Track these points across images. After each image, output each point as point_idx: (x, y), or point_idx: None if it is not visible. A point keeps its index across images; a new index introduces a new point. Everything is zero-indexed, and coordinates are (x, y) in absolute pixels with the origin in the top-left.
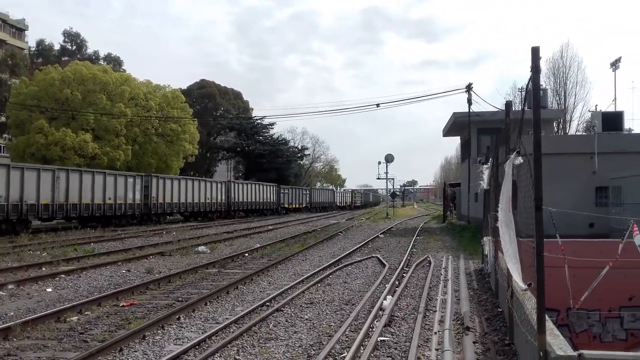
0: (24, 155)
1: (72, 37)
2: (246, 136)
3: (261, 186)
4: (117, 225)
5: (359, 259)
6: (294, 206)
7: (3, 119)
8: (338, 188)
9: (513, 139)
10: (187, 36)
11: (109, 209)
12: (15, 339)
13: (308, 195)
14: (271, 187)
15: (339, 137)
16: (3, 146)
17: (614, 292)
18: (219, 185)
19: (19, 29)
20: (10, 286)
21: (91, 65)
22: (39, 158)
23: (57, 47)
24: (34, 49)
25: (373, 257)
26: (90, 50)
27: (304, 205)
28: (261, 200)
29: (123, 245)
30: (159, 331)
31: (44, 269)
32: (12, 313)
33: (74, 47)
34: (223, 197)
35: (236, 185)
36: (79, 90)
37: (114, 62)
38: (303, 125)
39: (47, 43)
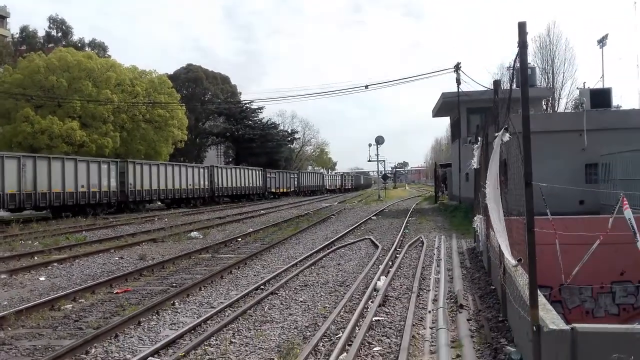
0: (10, 144)
1: (57, 23)
2: (235, 121)
3: (246, 170)
4: (93, 215)
5: (352, 240)
6: (281, 190)
7: None
8: (329, 171)
9: (502, 116)
10: (172, 20)
11: (82, 197)
12: (9, 328)
13: (296, 179)
14: (257, 172)
15: (328, 121)
16: None
17: (605, 268)
18: (202, 170)
19: (0, 16)
20: (2, 276)
21: (76, 51)
22: (26, 147)
23: (41, 33)
24: (17, 36)
25: (366, 238)
26: (75, 37)
27: (292, 190)
28: (247, 185)
29: (115, 232)
30: (154, 317)
31: (36, 258)
32: (5, 302)
33: (60, 34)
34: (206, 183)
35: (220, 170)
36: (64, 77)
37: (99, 47)
38: (292, 109)
39: (31, 30)
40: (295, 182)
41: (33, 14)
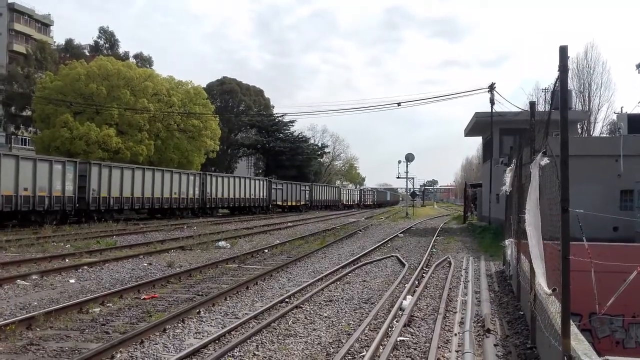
0: (49, 148)
1: (107, 35)
2: (267, 133)
3: (246, 180)
4: (39, 225)
5: (378, 257)
6: (289, 204)
7: (29, 112)
8: (357, 186)
9: (538, 139)
10: (207, 33)
11: (25, 202)
12: (38, 329)
13: (308, 191)
14: (260, 182)
15: (359, 136)
16: (28, 139)
17: (637, 298)
18: (191, 177)
19: (44, 24)
20: (34, 276)
21: (116, 60)
22: (64, 152)
23: (85, 41)
24: (62, 45)
25: (392, 256)
26: (121, 50)
27: (302, 203)
28: (245, 197)
29: (145, 238)
30: (179, 325)
31: (67, 260)
32: (35, 303)
33: (107, 45)
34: (196, 192)
35: (213, 178)
36: (103, 85)
37: (145, 62)
38: (323, 123)
39: (76, 43)
40: (307, 195)
41: (76, 22)
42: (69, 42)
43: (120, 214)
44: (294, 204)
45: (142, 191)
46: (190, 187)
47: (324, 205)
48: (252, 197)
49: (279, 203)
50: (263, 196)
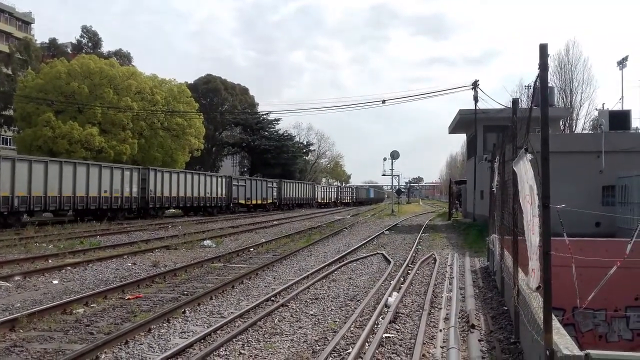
0: (30, 148)
1: (89, 34)
2: (252, 131)
3: (200, 176)
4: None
5: (364, 255)
6: (254, 202)
7: (10, 111)
8: (343, 184)
9: (520, 136)
10: (191, 31)
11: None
12: (21, 330)
13: (275, 188)
14: (218, 178)
15: (344, 134)
16: (10, 139)
17: (620, 292)
18: (127, 172)
19: (25, 22)
20: (16, 277)
21: (98, 58)
22: (46, 151)
23: (69, 40)
24: (39, 42)
25: (378, 253)
26: (104, 50)
27: (269, 202)
28: (200, 195)
29: (129, 238)
30: (164, 324)
31: (50, 261)
32: (18, 304)
33: (90, 44)
34: (134, 190)
35: (158, 173)
36: (85, 84)
37: (124, 57)
38: (308, 121)
39: (59, 43)
40: (275, 193)
41: (57, 21)
42: (53, 41)
43: (31, 216)
44: (259, 202)
45: (59, 189)
46: (126, 184)
47: (296, 203)
48: (209, 195)
49: (242, 202)
50: (222, 194)
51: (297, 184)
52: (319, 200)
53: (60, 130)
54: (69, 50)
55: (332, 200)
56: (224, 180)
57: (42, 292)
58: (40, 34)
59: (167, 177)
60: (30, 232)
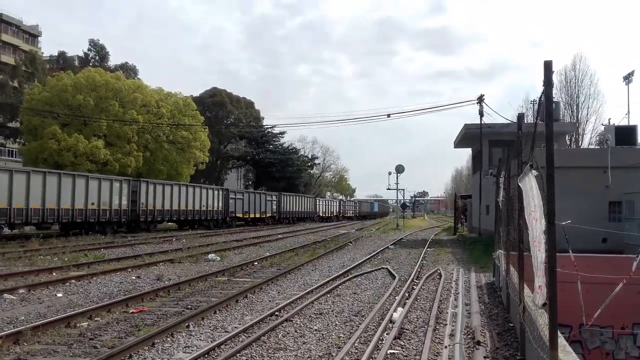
0: (36, 160)
1: (97, 47)
2: (257, 145)
3: (195, 189)
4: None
5: (368, 269)
6: (252, 216)
7: (17, 124)
8: (348, 198)
9: (526, 152)
10: (197, 44)
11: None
12: (25, 344)
13: (275, 202)
14: (214, 191)
15: (349, 147)
16: (16, 151)
17: (627, 309)
18: (116, 184)
19: (32, 35)
20: (21, 290)
21: (104, 72)
22: (52, 164)
23: (76, 53)
24: (54, 57)
25: (383, 268)
26: (111, 63)
27: (268, 215)
28: (195, 208)
29: (133, 251)
30: (168, 339)
31: (54, 274)
32: (22, 317)
33: (98, 58)
34: (123, 202)
35: (150, 185)
36: (91, 97)
37: (130, 70)
38: (313, 135)
39: (68, 55)
40: (274, 206)
41: (64, 33)
42: (62, 54)
43: (12, 229)
44: (258, 216)
45: (42, 201)
46: (115, 196)
47: (296, 217)
48: (204, 208)
49: (239, 215)
50: (218, 207)
51: (297, 197)
52: (321, 214)
53: (65, 143)
54: (75, 62)
55: (335, 215)
56: (220, 192)
57: (47, 305)
58: (47, 47)
59: (160, 189)
60: (35, 245)
